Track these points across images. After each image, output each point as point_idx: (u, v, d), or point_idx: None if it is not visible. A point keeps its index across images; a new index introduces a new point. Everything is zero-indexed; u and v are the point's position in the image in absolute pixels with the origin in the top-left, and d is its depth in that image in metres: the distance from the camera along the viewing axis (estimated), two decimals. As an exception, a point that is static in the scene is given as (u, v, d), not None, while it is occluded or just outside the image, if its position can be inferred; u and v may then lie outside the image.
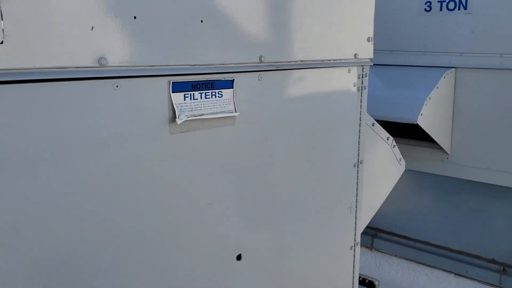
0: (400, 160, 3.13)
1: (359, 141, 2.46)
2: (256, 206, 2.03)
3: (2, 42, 1.25)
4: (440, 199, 4.61)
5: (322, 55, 2.15)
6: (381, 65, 4.43)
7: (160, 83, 1.61)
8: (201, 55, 1.70)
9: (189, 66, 1.67)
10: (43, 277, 1.44)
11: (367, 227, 4.83)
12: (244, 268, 2.01)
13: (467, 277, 4.43)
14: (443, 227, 4.60)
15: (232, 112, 1.83)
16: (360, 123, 2.44)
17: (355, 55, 2.30)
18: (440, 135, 4.16)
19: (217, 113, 1.78)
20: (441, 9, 4.14)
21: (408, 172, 4.37)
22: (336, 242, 2.50)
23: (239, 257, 1.98)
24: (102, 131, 1.48)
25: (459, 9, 4.04)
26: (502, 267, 4.29)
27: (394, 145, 3.05)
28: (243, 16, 1.81)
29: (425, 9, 4.22)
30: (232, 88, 1.82)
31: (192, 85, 1.70)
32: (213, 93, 1.77)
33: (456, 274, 4.49)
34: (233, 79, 1.82)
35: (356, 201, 2.54)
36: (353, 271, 2.62)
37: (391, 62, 4.45)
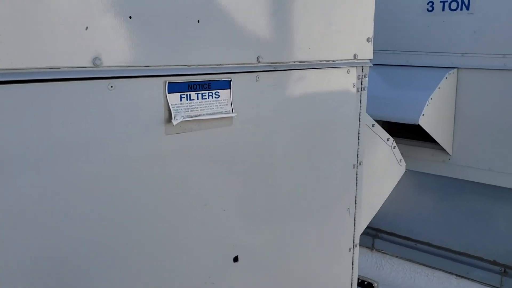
0: (400, 161, 3.12)
1: (358, 142, 2.45)
2: (253, 208, 2.01)
3: (-6, 42, 1.24)
4: (441, 200, 4.59)
5: (321, 56, 2.13)
6: (382, 65, 4.41)
7: (155, 84, 1.60)
8: (197, 56, 1.69)
9: (185, 67, 1.66)
10: (41, 277, 1.43)
11: (368, 227, 4.83)
12: (241, 269, 2.00)
13: (468, 279, 4.40)
14: (444, 228, 4.58)
15: (229, 113, 1.82)
16: (359, 124, 2.42)
17: (355, 56, 2.28)
18: (441, 135, 4.14)
19: (214, 114, 1.77)
20: (443, 9, 4.12)
21: (409, 172, 4.35)
22: (335, 243, 2.48)
23: (236, 259, 1.97)
24: (96, 132, 1.47)
25: (461, 9, 4.02)
26: (503, 269, 4.26)
27: (394, 146, 3.03)
28: (240, 15, 1.79)
29: (427, 9, 4.20)
30: (229, 88, 1.81)
31: (189, 85, 1.69)
32: (210, 94, 1.75)
33: (457, 275, 4.46)
34: (230, 80, 1.81)
35: (355, 203, 2.52)
36: (352, 272, 2.61)
37: (393, 62, 4.43)
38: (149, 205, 1.65)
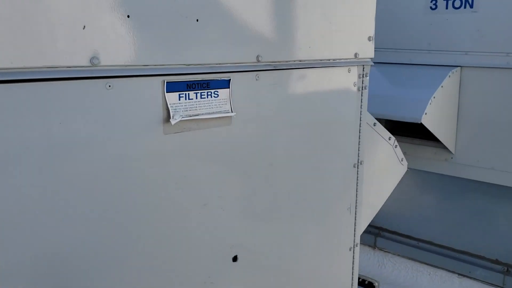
0: (402, 160, 3.11)
1: (359, 142, 2.44)
2: (253, 207, 2.01)
3: (-10, 42, 1.24)
4: (444, 198, 4.57)
5: (322, 55, 2.12)
6: (385, 64, 4.40)
7: (154, 83, 1.59)
8: (196, 55, 1.68)
9: (184, 66, 1.65)
10: (41, 277, 1.43)
11: (371, 226, 4.83)
12: (240, 269, 2.00)
13: (470, 278, 4.39)
14: (447, 227, 4.57)
15: (228, 112, 1.81)
16: (360, 123, 2.41)
17: (356, 55, 2.27)
18: (444, 134, 4.12)
19: (212, 113, 1.76)
20: (446, 8, 4.10)
21: (412, 171, 4.34)
22: (335, 243, 2.48)
23: (235, 258, 1.97)
24: (94, 131, 1.47)
25: (465, 7, 4.00)
26: (505, 268, 4.25)
27: (396, 145, 3.02)
28: (240, 14, 1.78)
29: (431, 7, 4.18)
30: (229, 88, 1.80)
31: (187, 84, 1.68)
32: (209, 93, 1.75)
33: (459, 274, 4.46)
34: (230, 79, 1.80)
35: (356, 202, 2.51)
36: (352, 272, 2.60)
37: (396, 61, 4.41)
38: (147, 204, 1.65)
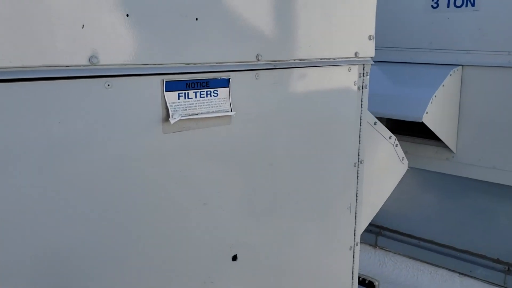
0: (402, 159, 3.10)
1: (359, 141, 2.43)
2: (253, 206, 2.01)
3: (-11, 41, 1.24)
4: (445, 198, 4.57)
5: (322, 54, 2.12)
6: (386, 62, 4.39)
7: (153, 82, 1.59)
8: (196, 54, 1.68)
9: (183, 65, 1.65)
10: (41, 277, 1.44)
11: (372, 225, 4.83)
12: (240, 268, 2.00)
13: (471, 277, 4.39)
14: (448, 226, 4.56)
15: (228, 111, 1.81)
16: (360, 122, 2.41)
17: (356, 54, 2.26)
18: (445, 133, 4.12)
19: (212, 112, 1.76)
20: (448, 6, 4.09)
21: (413, 170, 4.34)
22: (335, 242, 2.47)
23: (234, 258, 1.97)
24: (93, 130, 1.47)
25: (466, 6, 3.99)
26: (507, 267, 4.25)
27: (397, 144, 3.01)
28: (239, 13, 1.78)
29: (432, 6, 4.17)
30: (228, 87, 1.80)
31: (187, 83, 1.68)
32: (208, 92, 1.75)
33: (460, 273, 4.45)
34: (229, 78, 1.80)
35: (356, 201, 2.51)
36: (352, 271, 2.60)
37: (397, 59, 4.41)
38: (146, 203, 1.65)
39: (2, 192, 1.32)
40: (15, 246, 1.37)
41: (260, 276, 2.11)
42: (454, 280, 4.43)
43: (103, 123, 1.49)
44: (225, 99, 1.79)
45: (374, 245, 4.97)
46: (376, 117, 2.78)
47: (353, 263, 2.59)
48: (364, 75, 2.35)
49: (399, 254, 4.81)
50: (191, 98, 1.70)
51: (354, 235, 2.55)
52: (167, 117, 1.63)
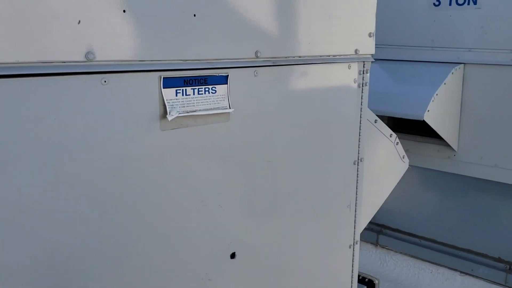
0: (403, 157, 3.09)
1: (359, 139, 2.42)
2: (251, 204, 2.00)
3: (-17, 36, 1.23)
4: (446, 196, 4.56)
5: (321, 51, 2.10)
6: (388, 60, 4.37)
7: (150, 79, 1.58)
8: (193, 50, 1.66)
9: (181, 62, 1.64)
10: (41, 277, 1.43)
11: (373, 223, 4.83)
12: (238, 266, 1.99)
13: (473, 276, 4.38)
14: (449, 224, 4.55)
15: (226, 108, 1.80)
16: (360, 120, 2.39)
17: (356, 51, 2.25)
18: (447, 132, 4.10)
19: (210, 109, 1.75)
20: (450, 4, 4.07)
21: (414, 168, 4.32)
22: (335, 240, 2.46)
23: (233, 255, 1.96)
24: (89, 127, 1.46)
25: (468, 4, 3.97)
26: (508, 266, 4.24)
27: (397, 142, 3.00)
28: (238, 9, 1.77)
29: (434, 4, 4.15)
30: (226, 84, 1.79)
31: (184, 80, 1.67)
32: (206, 89, 1.73)
33: (461, 272, 4.44)
34: (228, 75, 1.78)
35: (356, 199, 2.50)
36: (352, 270, 2.59)
37: (398, 57, 4.39)
38: (144, 201, 1.63)
39: (2, 192, 1.31)
40: (15, 246, 1.36)
41: (260, 275, 2.10)
42: (455, 279, 4.42)
43: (99, 120, 1.47)
44: (223, 96, 1.78)
45: (375, 244, 4.96)
46: (377, 115, 2.77)
47: (352, 261, 2.58)
48: (364, 72, 2.34)
49: (400, 252, 4.80)
50: (189, 95, 1.69)
51: (354, 234, 2.54)
52: (164, 114, 1.62)
